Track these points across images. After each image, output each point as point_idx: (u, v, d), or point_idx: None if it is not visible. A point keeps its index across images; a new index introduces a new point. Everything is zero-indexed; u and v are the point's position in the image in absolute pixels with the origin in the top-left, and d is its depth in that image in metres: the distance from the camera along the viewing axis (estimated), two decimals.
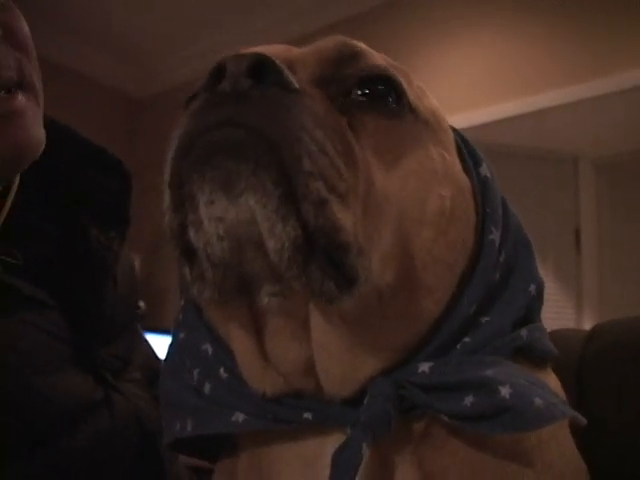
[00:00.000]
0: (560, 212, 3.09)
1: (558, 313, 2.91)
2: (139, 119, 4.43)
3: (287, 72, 0.40)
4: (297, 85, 0.40)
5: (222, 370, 0.50)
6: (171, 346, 0.56)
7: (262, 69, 0.39)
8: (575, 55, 2.67)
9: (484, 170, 0.53)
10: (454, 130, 0.55)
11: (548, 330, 0.84)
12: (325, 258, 0.39)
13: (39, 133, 0.64)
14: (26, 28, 0.65)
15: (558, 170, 3.13)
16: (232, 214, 0.38)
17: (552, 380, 0.54)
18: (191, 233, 0.40)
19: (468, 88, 2.92)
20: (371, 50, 0.49)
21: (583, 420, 0.45)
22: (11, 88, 0.61)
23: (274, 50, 0.49)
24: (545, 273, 2.93)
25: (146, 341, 0.88)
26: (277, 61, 0.40)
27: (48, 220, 0.72)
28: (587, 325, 2.92)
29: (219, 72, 0.40)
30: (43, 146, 0.64)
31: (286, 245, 0.38)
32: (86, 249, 0.71)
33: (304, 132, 0.38)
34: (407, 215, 0.44)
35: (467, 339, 0.47)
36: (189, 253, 0.41)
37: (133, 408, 0.73)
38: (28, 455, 0.60)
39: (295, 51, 0.50)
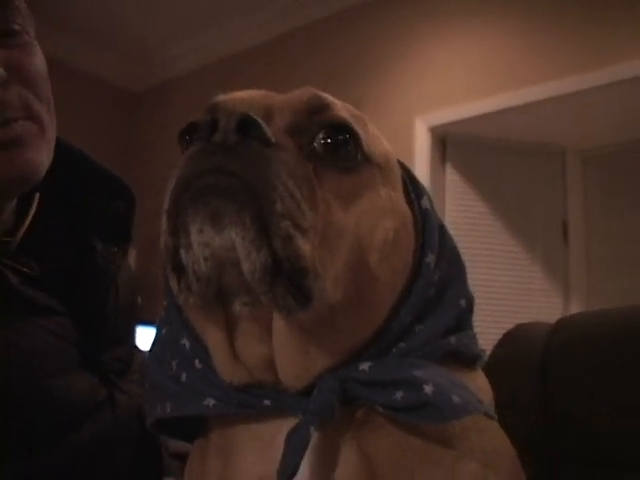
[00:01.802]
0: (548, 204, 3.14)
1: (546, 303, 2.94)
2: (137, 112, 4.38)
3: (267, 129, 0.49)
4: (274, 140, 0.50)
5: (197, 362, 0.59)
6: (155, 340, 0.65)
7: (247, 126, 0.48)
8: (563, 48, 2.67)
9: (425, 202, 0.63)
10: (402, 166, 0.65)
11: (533, 319, 0.91)
12: (288, 280, 0.48)
13: (38, 157, 0.67)
14: (38, 63, 0.67)
15: (546, 163, 3.16)
16: (217, 242, 0.47)
17: (480, 379, 0.63)
18: (182, 253, 0.49)
19: (457, 82, 2.92)
20: (337, 102, 0.58)
21: (494, 416, 0.54)
22: (12, 120, 0.63)
23: (255, 96, 0.58)
24: (533, 263, 2.97)
25: (140, 350, 0.95)
26: (259, 120, 0.49)
27: (62, 234, 0.78)
28: None
29: (213, 124, 0.48)
30: (44, 170, 0.68)
31: (258, 268, 0.47)
32: (92, 261, 0.78)
33: (279, 181, 0.48)
34: (358, 245, 0.54)
35: (402, 344, 0.56)
36: (179, 269, 0.50)
37: (135, 405, 0.79)
38: (34, 452, 0.65)
39: (274, 98, 0.59)
